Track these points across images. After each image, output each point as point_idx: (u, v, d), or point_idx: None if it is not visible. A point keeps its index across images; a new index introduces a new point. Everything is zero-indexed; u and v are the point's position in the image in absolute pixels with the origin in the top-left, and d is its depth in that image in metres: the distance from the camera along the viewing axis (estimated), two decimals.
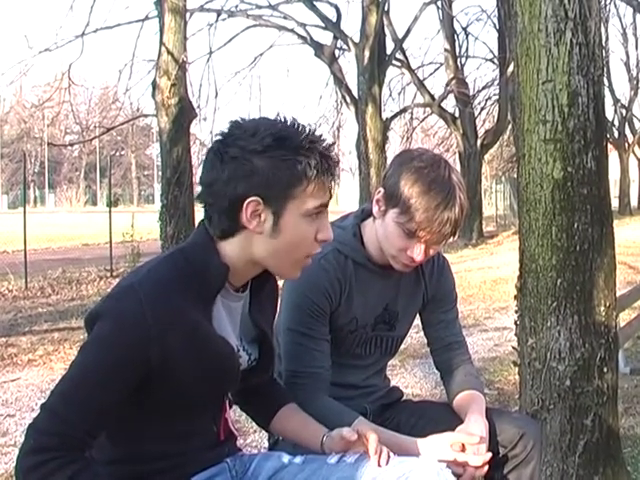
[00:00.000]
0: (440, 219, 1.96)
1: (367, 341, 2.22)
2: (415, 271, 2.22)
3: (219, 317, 1.67)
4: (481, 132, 22.85)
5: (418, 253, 2.02)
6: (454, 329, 2.29)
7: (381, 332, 2.23)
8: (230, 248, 1.64)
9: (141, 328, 1.50)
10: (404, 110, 22.62)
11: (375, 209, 2.09)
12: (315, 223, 1.65)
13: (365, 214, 2.17)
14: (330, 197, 1.67)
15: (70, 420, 1.47)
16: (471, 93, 22.18)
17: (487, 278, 12.00)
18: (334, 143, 1.69)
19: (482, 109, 25.05)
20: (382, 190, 2.06)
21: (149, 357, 1.51)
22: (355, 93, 18.01)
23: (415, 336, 5.71)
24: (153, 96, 11.71)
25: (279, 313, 2.07)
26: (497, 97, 22.61)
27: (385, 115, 18.95)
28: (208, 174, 1.61)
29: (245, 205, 1.58)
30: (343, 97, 19.19)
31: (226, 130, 1.63)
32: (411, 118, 25.75)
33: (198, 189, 1.66)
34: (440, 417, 2.15)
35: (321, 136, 1.63)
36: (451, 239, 2.09)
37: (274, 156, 1.57)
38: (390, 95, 23.69)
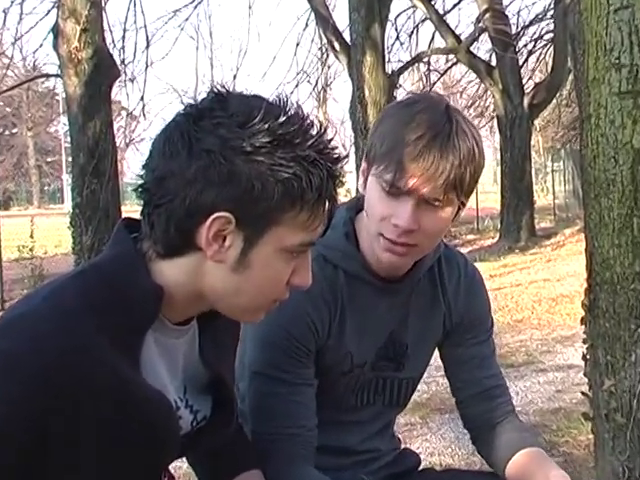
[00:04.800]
0: (425, 159, 1.93)
1: (365, 386, 2.21)
2: (432, 285, 2.22)
3: (150, 361, 1.65)
4: (529, 87, 22.96)
5: (403, 216, 1.96)
6: (492, 369, 2.29)
7: (384, 372, 2.22)
8: (171, 271, 1.63)
9: (34, 379, 1.47)
10: (418, 59, 22.68)
11: (361, 182, 2.09)
12: (294, 262, 1.65)
13: (361, 204, 2.15)
14: (322, 234, 1.67)
15: None
16: (514, 31, 22.27)
17: (543, 296, 12.06)
18: (346, 157, 1.67)
19: (530, 54, 25.18)
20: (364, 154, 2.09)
21: (46, 422, 1.48)
22: (347, 37, 18.05)
23: (442, 381, 5.71)
24: (55, 47, 11.70)
25: (240, 353, 2.04)
26: (551, 35, 22.71)
27: (391, 67, 19.06)
28: (164, 161, 1.58)
29: (209, 221, 1.55)
30: (330, 43, 19.22)
31: (203, 104, 1.60)
32: (428, 70, 25.85)
33: (138, 179, 1.61)
34: None
35: (331, 141, 1.62)
36: (456, 206, 2.02)
37: (265, 162, 1.54)
38: (397, 38, 23.83)
